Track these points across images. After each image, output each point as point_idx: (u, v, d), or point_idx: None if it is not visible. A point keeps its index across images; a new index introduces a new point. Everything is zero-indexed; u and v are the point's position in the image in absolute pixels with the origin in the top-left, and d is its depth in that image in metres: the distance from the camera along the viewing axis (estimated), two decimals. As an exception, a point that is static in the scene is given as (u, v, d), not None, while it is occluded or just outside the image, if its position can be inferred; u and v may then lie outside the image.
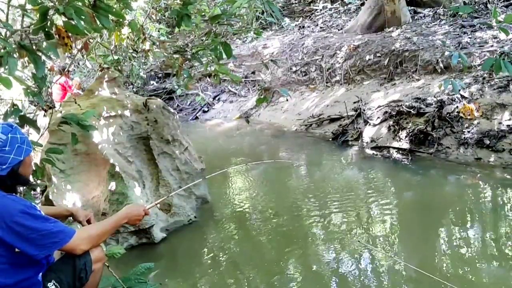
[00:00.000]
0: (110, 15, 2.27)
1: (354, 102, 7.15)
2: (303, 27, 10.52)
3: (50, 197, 3.48)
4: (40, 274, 1.89)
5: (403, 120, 5.94)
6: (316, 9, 11.43)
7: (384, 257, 3.28)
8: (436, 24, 8.15)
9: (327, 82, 8.31)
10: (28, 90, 2.75)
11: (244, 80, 9.73)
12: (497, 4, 8.22)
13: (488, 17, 7.79)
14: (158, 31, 7.17)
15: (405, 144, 5.66)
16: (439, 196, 4.42)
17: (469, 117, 5.53)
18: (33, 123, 2.79)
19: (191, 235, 3.84)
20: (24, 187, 2.80)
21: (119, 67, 4.54)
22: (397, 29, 8.27)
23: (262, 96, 8.48)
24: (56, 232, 1.78)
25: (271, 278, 3.11)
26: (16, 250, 1.74)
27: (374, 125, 6.27)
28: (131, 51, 4.71)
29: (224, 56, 3.29)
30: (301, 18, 11.37)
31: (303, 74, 8.79)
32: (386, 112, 6.28)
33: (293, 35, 9.93)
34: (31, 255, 1.77)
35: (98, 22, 2.22)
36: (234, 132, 7.96)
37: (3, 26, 2.32)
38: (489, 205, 4.18)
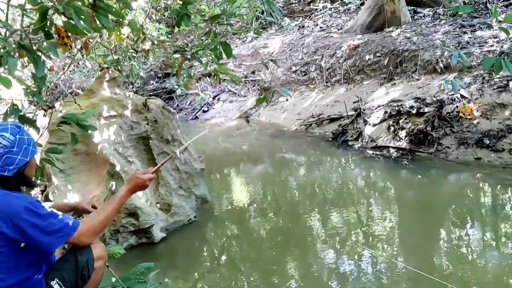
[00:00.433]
0: (110, 15, 2.27)
1: (354, 102, 7.15)
2: (303, 26, 10.51)
3: (50, 197, 3.48)
4: (42, 273, 1.90)
5: (403, 120, 5.94)
6: (316, 9, 11.42)
7: (384, 257, 3.28)
8: (436, 24, 8.14)
9: (327, 82, 8.31)
10: (28, 90, 2.75)
11: (244, 80, 9.72)
12: (497, 4, 8.22)
13: (488, 17, 7.79)
14: (158, 31, 7.17)
15: (405, 144, 5.66)
16: (438, 196, 4.42)
17: (469, 117, 5.52)
18: (32, 123, 2.79)
19: (191, 234, 3.84)
20: (30, 188, 2.79)
21: (119, 67, 4.54)
22: (397, 29, 8.27)
23: (262, 96, 8.48)
24: (62, 226, 1.79)
25: (271, 278, 3.11)
26: (22, 245, 1.75)
27: (374, 125, 6.27)
28: (131, 51, 4.71)
29: (224, 56, 3.29)
30: (301, 18, 11.36)
31: (303, 74, 8.78)
32: (386, 112, 6.28)
33: (293, 35, 9.93)
34: (40, 250, 1.79)
35: (98, 22, 2.22)
36: (234, 132, 7.96)
37: (3, 26, 2.32)
38: (489, 205, 4.18)
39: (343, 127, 6.64)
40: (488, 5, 8.29)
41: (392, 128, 5.96)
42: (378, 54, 7.72)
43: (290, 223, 4.03)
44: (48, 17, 2.19)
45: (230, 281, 3.15)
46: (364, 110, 6.71)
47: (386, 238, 3.62)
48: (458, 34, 7.21)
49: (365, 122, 6.46)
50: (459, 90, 5.50)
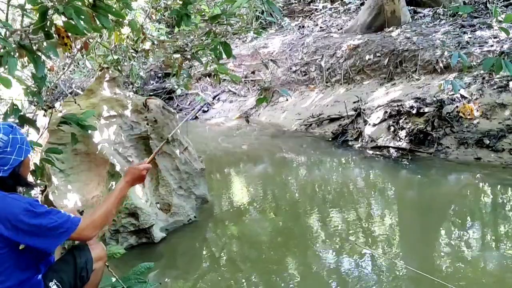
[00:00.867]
0: (110, 15, 2.27)
1: (354, 102, 7.15)
2: (303, 26, 10.51)
3: (50, 197, 3.48)
4: (41, 274, 1.90)
5: (403, 120, 5.94)
6: (316, 9, 11.42)
7: (384, 257, 3.28)
8: (436, 24, 8.14)
9: (327, 82, 8.31)
10: (28, 90, 2.75)
11: (244, 80, 9.72)
12: (497, 4, 8.21)
13: (488, 17, 7.79)
14: (158, 31, 7.16)
15: (404, 144, 5.66)
16: (438, 196, 4.42)
17: (469, 117, 5.53)
18: (32, 123, 2.78)
19: (191, 234, 3.84)
20: (24, 188, 2.79)
21: (119, 67, 4.54)
22: (397, 29, 8.27)
23: (262, 96, 8.47)
24: (62, 223, 1.76)
25: (271, 278, 3.11)
26: (21, 247, 1.75)
27: (374, 124, 6.27)
28: (131, 51, 4.71)
29: (224, 56, 3.29)
30: (301, 18, 11.36)
31: (303, 74, 8.78)
32: (386, 111, 6.28)
33: (293, 35, 9.93)
34: (42, 249, 1.78)
35: (98, 22, 2.22)
36: (234, 132, 7.96)
37: (3, 26, 2.32)
38: (489, 205, 4.18)
39: (343, 127, 6.65)
40: (488, 5, 8.29)
41: (392, 128, 5.96)
42: (378, 54, 7.72)
43: (290, 223, 4.03)
44: (48, 17, 2.19)
45: (230, 281, 3.15)
46: (364, 110, 6.71)
47: (386, 238, 3.61)
48: (458, 34, 7.21)
49: (365, 122, 6.46)
50: (459, 90, 5.50)
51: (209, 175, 5.10)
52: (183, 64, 4.04)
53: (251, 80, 9.69)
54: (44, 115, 3.37)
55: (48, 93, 8.42)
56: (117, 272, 2.41)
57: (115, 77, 3.98)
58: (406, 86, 6.87)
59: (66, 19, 2.12)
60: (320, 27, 10.15)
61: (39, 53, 2.36)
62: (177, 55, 3.98)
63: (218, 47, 3.24)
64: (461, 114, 5.58)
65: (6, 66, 2.14)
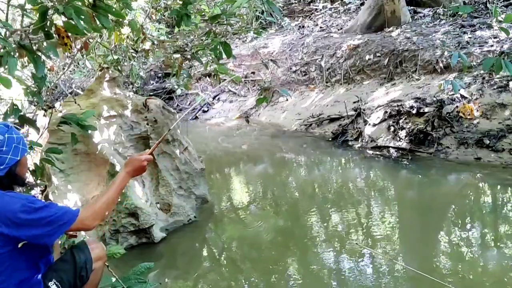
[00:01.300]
0: (110, 15, 2.27)
1: (354, 102, 7.15)
2: (303, 26, 10.51)
3: (50, 197, 3.48)
4: (41, 273, 1.90)
5: (403, 120, 5.94)
6: (316, 9, 11.42)
7: (384, 257, 3.28)
8: (436, 24, 8.14)
9: (327, 82, 8.31)
10: (28, 90, 2.75)
11: (244, 80, 9.72)
12: (497, 4, 8.21)
13: (488, 17, 7.79)
14: (158, 31, 7.16)
15: (404, 144, 5.66)
16: (438, 196, 4.41)
17: (469, 117, 5.52)
18: (32, 123, 2.79)
19: (191, 234, 3.84)
20: (23, 188, 2.80)
21: (119, 67, 4.54)
22: (397, 29, 8.27)
23: (262, 96, 8.47)
24: (61, 214, 1.76)
25: (271, 278, 3.11)
26: (20, 245, 1.74)
27: (374, 124, 6.27)
28: (131, 51, 4.71)
29: (224, 56, 3.29)
30: (301, 18, 11.36)
31: (303, 74, 8.78)
32: (386, 111, 6.28)
33: (293, 35, 9.93)
34: (42, 244, 1.78)
35: (98, 22, 2.22)
36: (234, 132, 7.96)
37: (3, 26, 2.32)
38: (489, 205, 4.18)
39: (343, 127, 6.64)
40: (488, 5, 8.29)
41: (392, 128, 5.96)
42: (378, 54, 7.72)
43: (290, 223, 4.03)
44: (48, 17, 2.19)
45: (230, 281, 3.15)
46: (364, 110, 6.71)
47: (386, 238, 3.61)
48: (458, 34, 7.21)
49: (365, 122, 6.46)
50: (459, 90, 5.50)
51: (209, 175, 5.10)
52: (183, 64, 4.04)
53: (251, 80, 9.69)
54: (44, 115, 3.38)
55: (48, 93, 8.42)
56: (117, 272, 2.41)
57: (115, 77, 3.98)
58: (406, 86, 6.87)
59: (66, 19, 2.12)
60: (320, 27, 10.14)
61: (39, 53, 2.36)
62: (177, 55, 3.98)
63: (218, 47, 3.24)
64: (461, 114, 5.58)
65: (6, 66, 2.14)
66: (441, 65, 6.70)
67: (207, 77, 9.85)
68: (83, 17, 2.10)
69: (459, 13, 7.78)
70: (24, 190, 3.00)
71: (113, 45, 4.63)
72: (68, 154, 3.56)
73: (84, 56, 5.22)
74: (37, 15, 2.21)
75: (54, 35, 2.33)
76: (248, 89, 9.67)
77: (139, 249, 3.59)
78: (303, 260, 3.38)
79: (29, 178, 3.22)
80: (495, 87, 5.69)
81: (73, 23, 2.12)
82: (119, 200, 3.54)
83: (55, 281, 1.90)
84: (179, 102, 10.29)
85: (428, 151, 5.45)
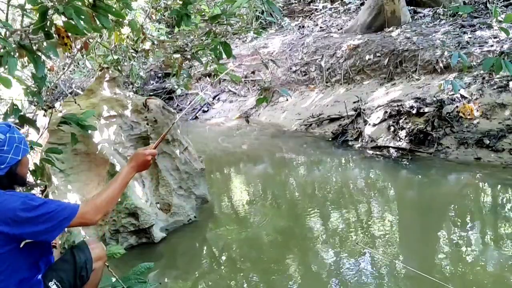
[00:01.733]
0: (110, 15, 2.27)
1: (354, 102, 7.15)
2: (303, 26, 10.51)
3: (50, 196, 3.48)
4: (41, 273, 1.90)
5: (403, 120, 5.94)
6: (316, 9, 11.42)
7: (384, 258, 3.28)
8: (436, 24, 8.14)
9: (327, 82, 8.31)
10: (28, 90, 2.75)
11: (244, 80, 9.72)
12: (497, 4, 8.21)
13: (488, 17, 7.79)
14: (158, 31, 7.16)
15: (404, 144, 5.66)
16: (439, 196, 4.42)
17: (469, 117, 5.52)
18: (32, 123, 2.79)
19: (191, 234, 3.84)
20: (23, 187, 2.80)
21: (119, 67, 4.54)
22: (397, 29, 8.27)
23: (262, 96, 8.47)
24: (61, 210, 1.75)
25: (271, 278, 3.11)
26: (21, 245, 1.74)
27: (374, 125, 6.27)
28: (131, 51, 4.71)
29: (224, 56, 3.29)
30: (301, 18, 11.36)
31: (303, 74, 8.78)
32: (386, 111, 6.28)
33: (293, 35, 9.93)
34: (43, 240, 1.78)
35: (98, 22, 2.22)
36: (234, 132, 7.96)
37: (3, 26, 2.32)
38: (489, 205, 4.18)
39: (343, 127, 6.65)
40: (488, 5, 8.29)
41: (392, 128, 5.96)
42: (378, 54, 7.72)
43: (290, 223, 4.03)
44: (48, 17, 2.19)
45: (230, 281, 3.15)
46: (364, 110, 6.71)
47: (386, 238, 3.61)
48: (458, 34, 7.21)
49: (365, 122, 6.46)
50: (459, 90, 5.50)
51: (209, 175, 5.10)
52: (183, 64, 4.04)
53: (251, 80, 9.69)
54: (44, 115, 3.38)
55: (48, 93, 8.42)
56: (117, 272, 2.41)
57: (115, 77, 3.98)
58: (406, 86, 6.87)
59: (66, 19, 2.12)
60: (320, 27, 10.14)
61: (39, 53, 2.36)
62: (177, 55, 3.98)
63: (218, 47, 3.24)
64: (461, 114, 5.58)
65: (6, 66, 2.14)
66: (441, 65, 6.70)
67: (207, 77, 9.86)
68: (83, 17, 2.10)
69: (459, 13, 7.78)
70: (24, 190, 3.00)
71: (113, 45, 4.63)
72: (68, 154, 3.56)
73: (84, 56, 5.22)
74: (37, 15, 2.21)
75: (54, 35, 2.33)
76: (248, 89, 9.67)
77: (139, 249, 3.59)
78: (303, 260, 3.38)
79: (29, 178, 3.22)
80: (495, 87, 5.69)
81: (73, 23, 2.12)
82: (119, 200, 3.54)
83: (55, 281, 1.90)
84: (179, 102, 10.29)
85: (428, 151, 5.45)
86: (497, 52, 6.14)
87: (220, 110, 9.56)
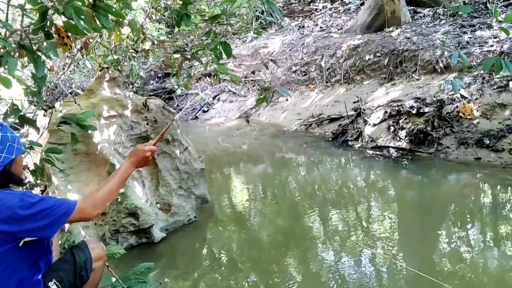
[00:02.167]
0: (110, 15, 2.27)
1: (354, 102, 7.15)
2: (303, 26, 10.51)
3: (50, 197, 3.48)
4: (41, 273, 1.90)
5: (403, 120, 5.94)
6: (316, 9, 11.42)
7: (384, 258, 3.28)
8: (436, 24, 8.14)
9: (327, 82, 8.31)
10: (28, 90, 2.75)
11: (244, 80, 9.72)
12: (497, 4, 8.21)
13: (488, 17, 7.79)
14: (158, 31, 7.16)
15: (404, 144, 5.66)
16: (439, 196, 4.42)
17: (469, 117, 5.53)
18: (32, 123, 2.78)
19: (191, 234, 3.84)
20: (22, 187, 2.80)
21: (119, 67, 4.54)
22: (397, 29, 8.27)
23: (262, 96, 8.47)
24: (59, 205, 1.75)
25: (271, 278, 3.11)
26: (21, 244, 1.74)
27: (374, 125, 6.27)
28: (131, 51, 4.71)
29: (224, 56, 3.29)
30: (301, 18, 11.36)
31: (303, 74, 8.78)
32: (386, 111, 6.28)
33: (293, 35, 9.93)
34: (42, 237, 1.78)
35: (98, 22, 2.22)
36: (234, 132, 7.96)
37: (3, 26, 2.32)
38: (489, 205, 4.18)
39: (343, 127, 6.65)
40: (488, 5, 8.29)
41: (392, 128, 5.96)
42: (378, 54, 7.72)
43: (290, 223, 4.03)
44: (48, 17, 2.19)
45: (230, 281, 3.15)
46: (364, 110, 6.71)
47: (386, 238, 3.61)
48: (458, 34, 7.21)
49: (365, 122, 6.46)
50: (459, 90, 5.50)
51: (209, 175, 5.10)
52: (183, 64, 4.04)
53: (251, 80, 9.69)
54: (44, 115, 3.38)
55: (48, 93, 8.42)
56: (117, 272, 2.41)
57: (115, 77, 3.98)
58: (406, 86, 6.87)
59: (66, 19, 2.12)
60: (320, 27, 10.14)
61: (39, 53, 2.36)
62: (177, 55, 3.97)
63: (218, 47, 3.23)
64: (461, 114, 5.58)
65: (6, 66, 2.13)
66: (441, 65, 6.70)
67: (207, 77, 9.85)
68: (83, 17, 2.10)
69: (459, 13, 7.78)
70: (24, 189, 3.00)
71: (113, 45, 4.63)
72: (68, 154, 3.56)
73: (84, 56, 5.22)
74: (37, 15, 2.21)
75: (54, 35, 2.32)
76: (248, 89, 9.67)
77: (139, 249, 3.59)
78: (303, 260, 3.38)
79: (29, 178, 3.22)
80: (495, 87, 5.69)
81: (73, 23, 2.12)
82: (119, 200, 3.55)
83: (55, 281, 1.90)
84: (179, 102, 10.29)
85: (428, 151, 5.45)
86: (497, 52, 6.14)
87: (220, 110, 9.56)
